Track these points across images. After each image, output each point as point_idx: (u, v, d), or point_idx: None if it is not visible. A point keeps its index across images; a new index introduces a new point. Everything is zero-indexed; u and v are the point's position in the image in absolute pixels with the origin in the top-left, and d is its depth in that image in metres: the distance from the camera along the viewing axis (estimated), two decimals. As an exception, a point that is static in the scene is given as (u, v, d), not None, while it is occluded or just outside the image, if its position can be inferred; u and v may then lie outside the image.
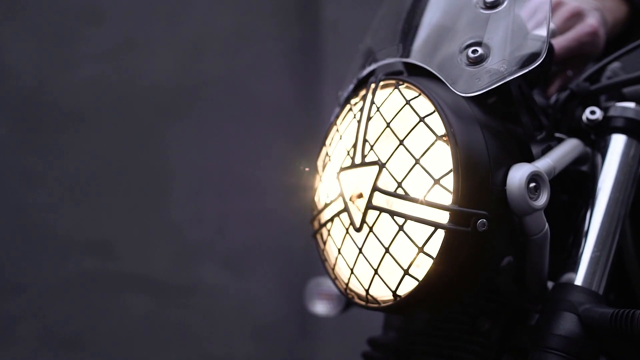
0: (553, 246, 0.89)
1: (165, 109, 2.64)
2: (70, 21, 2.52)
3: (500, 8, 0.82)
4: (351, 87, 0.96)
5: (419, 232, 0.78)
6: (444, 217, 0.77)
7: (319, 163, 0.95)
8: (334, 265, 0.90)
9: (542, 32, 1.00)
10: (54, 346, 2.42)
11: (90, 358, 2.47)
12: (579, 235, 0.87)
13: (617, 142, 0.90)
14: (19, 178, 2.42)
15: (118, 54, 2.58)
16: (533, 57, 0.79)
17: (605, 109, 0.93)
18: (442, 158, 0.78)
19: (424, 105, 0.81)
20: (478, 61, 0.80)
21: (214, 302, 2.64)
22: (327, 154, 0.93)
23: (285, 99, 2.75)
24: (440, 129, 0.78)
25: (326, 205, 0.91)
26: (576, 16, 1.04)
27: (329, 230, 0.91)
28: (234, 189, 2.67)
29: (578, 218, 0.89)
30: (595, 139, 0.93)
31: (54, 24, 2.50)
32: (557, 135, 0.92)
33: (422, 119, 0.80)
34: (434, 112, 0.79)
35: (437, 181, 0.77)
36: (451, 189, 0.77)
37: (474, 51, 0.80)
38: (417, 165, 0.78)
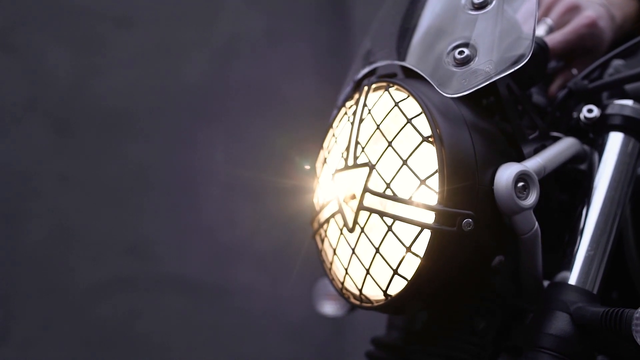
0: (551, 245, 0.89)
1: (197, 111, 2.68)
2: (104, 26, 2.57)
3: (488, 8, 0.83)
4: (348, 89, 0.97)
5: (408, 232, 0.79)
6: (432, 217, 0.78)
7: (318, 165, 0.96)
8: (331, 265, 0.91)
9: (537, 31, 1.01)
10: (92, 346, 2.48)
11: (127, 358, 2.52)
12: (575, 233, 0.86)
13: (615, 140, 0.90)
14: (56, 181, 2.48)
15: (150, 58, 2.63)
16: (520, 56, 0.79)
17: (603, 107, 0.92)
18: (429, 159, 0.79)
19: (412, 106, 0.82)
20: (464, 62, 0.81)
21: (248, 302, 2.66)
22: (324, 156, 0.95)
23: (316, 100, 2.77)
24: (427, 130, 0.79)
25: (322, 207, 0.93)
26: (573, 10, 1.03)
27: (325, 231, 0.93)
28: (267, 191, 2.70)
29: (574, 217, 0.89)
30: (593, 137, 0.93)
31: (87, 30, 2.56)
32: (554, 134, 0.91)
33: (409, 121, 0.80)
34: (421, 113, 0.80)
35: (422, 182, 0.78)
36: (437, 190, 0.77)
37: (461, 52, 0.81)
38: (405, 166, 0.79)
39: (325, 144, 0.95)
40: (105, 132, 2.56)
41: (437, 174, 0.77)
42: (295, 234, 2.72)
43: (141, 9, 2.63)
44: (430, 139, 0.78)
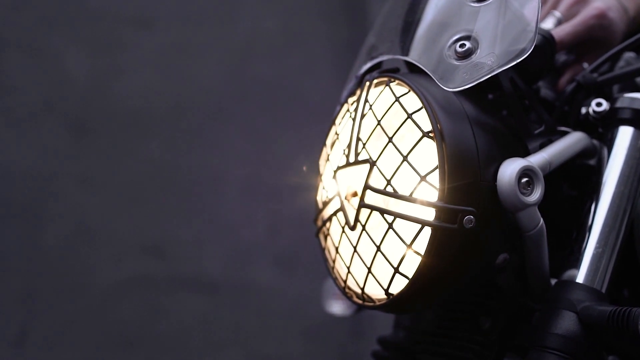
0: (560, 242, 0.87)
1: (215, 111, 2.68)
2: (122, 28, 2.58)
3: (490, 0, 0.81)
4: (351, 85, 0.96)
5: (409, 229, 0.77)
6: (433, 214, 0.76)
7: (321, 162, 0.95)
8: (334, 264, 0.90)
9: (545, 24, 0.99)
10: (113, 346, 2.49)
11: (147, 357, 2.53)
12: (583, 230, 0.84)
13: (624, 135, 0.87)
14: (75, 182, 2.50)
15: (168, 58, 2.63)
16: (523, 49, 0.77)
17: (613, 101, 0.90)
18: (430, 154, 0.77)
19: (413, 101, 0.80)
20: (466, 55, 0.79)
21: (267, 301, 2.66)
22: (327, 153, 0.93)
23: (333, 99, 2.75)
24: (428, 125, 0.77)
25: (325, 205, 0.91)
26: (581, 1, 1.00)
27: (328, 229, 0.91)
28: (285, 190, 2.69)
29: (582, 213, 0.86)
30: (603, 132, 0.90)
31: (106, 32, 2.57)
32: (562, 128, 0.89)
33: (409, 116, 0.79)
34: (421, 108, 0.78)
35: (423, 178, 0.76)
36: (438, 186, 0.76)
37: (462, 45, 0.79)
38: (405, 162, 0.78)
39: (328, 141, 0.94)
40: (124, 133, 2.57)
41: (437, 170, 0.76)
42: (314, 232, 2.72)
43: (159, 10, 2.64)
44: (430, 134, 0.77)
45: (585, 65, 1.02)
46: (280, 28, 2.78)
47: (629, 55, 0.98)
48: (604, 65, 0.96)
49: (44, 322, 2.41)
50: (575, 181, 0.92)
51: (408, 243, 0.76)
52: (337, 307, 1.15)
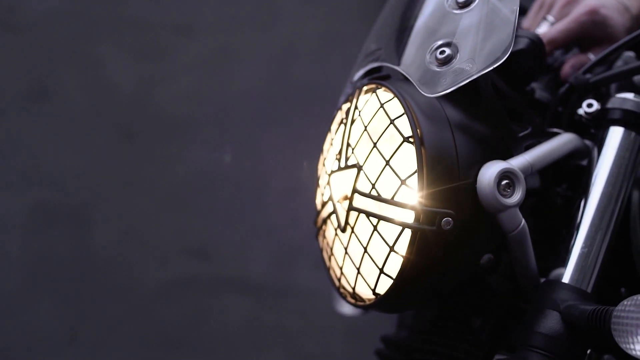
0: (554, 242, 0.88)
1: (257, 115, 2.73)
2: (165, 35, 2.66)
3: (471, 7, 0.82)
4: (347, 90, 0.99)
5: (392, 231, 0.79)
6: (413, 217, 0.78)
7: (320, 166, 0.98)
8: (330, 264, 0.93)
9: (540, 29, 1.00)
10: (158, 346, 2.56)
11: (192, 357, 2.59)
12: (571, 230, 0.85)
13: (615, 135, 0.87)
14: (121, 186, 2.58)
15: (210, 64, 2.69)
16: (501, 54, 0.78)
17: (604, 101, 0.90)
18: (411, 159, 0.79)
19: (396, 107, 0.82)
20: (446, 61, 0.81)
21: (310, 302, 2.69)
22: (323, 157, 0.96)
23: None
24: (409, 131, 0.80)
25: (322, 208, 0.94)
26: (572, 2, 1.01)
27: (324, 232, 0.94)
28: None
29: (572, 213, 0.87)
30: (595, 132, 0.91)
31: (149, 39, 2.65)
32: (553, 130, 0.90)
33: (392, 122, 0.81)
34: (403, 114, 0.81)
35: (403, 181, 0.78)
36: (417, 189, 0.78)
37: (442, 52, 0.81)
38: (388, 166, 0.80)
39: (325, 146, 0.97)
40: (169, 138, 2.64)
41: (417, 174, 0.78)
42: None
43: (200, 17, 2.71)
44: (410, 139, 0.79)
45: (591, 56, 1.01)
46: (320, 31, 2.81)
47: (627, 54, 0.98)
48: (603, 64, 0.96)
49: (93, 323, 2.50)
50: (570, 182, 0.92)
51: (391, 244, 0.79)
52: (347, 307, 1.17)
